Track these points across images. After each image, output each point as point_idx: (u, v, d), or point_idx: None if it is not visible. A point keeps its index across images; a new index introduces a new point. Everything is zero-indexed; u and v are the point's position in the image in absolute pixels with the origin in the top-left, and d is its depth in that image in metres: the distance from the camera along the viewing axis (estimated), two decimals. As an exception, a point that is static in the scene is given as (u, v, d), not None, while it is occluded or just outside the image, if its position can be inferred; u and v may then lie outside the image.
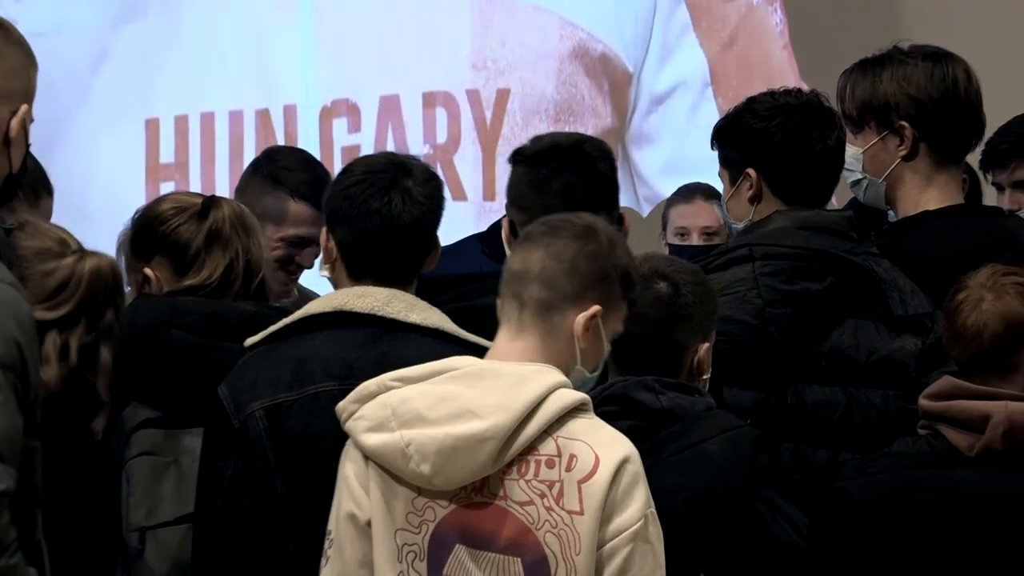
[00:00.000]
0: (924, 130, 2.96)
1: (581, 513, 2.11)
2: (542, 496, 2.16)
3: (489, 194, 4.58)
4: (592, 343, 2.19)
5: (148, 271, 2.72)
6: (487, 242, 3.40)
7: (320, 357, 2.47)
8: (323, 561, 2.26)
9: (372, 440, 2.15)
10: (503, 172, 3.44)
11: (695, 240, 4.01)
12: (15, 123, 2.16)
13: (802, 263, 2.86)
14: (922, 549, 2.59)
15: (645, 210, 4.56)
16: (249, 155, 4.26)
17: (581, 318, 2.16)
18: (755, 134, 2.87)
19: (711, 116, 4.22)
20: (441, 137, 4.51)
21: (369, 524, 2.20)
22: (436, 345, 2.47)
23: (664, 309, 2.52)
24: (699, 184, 4.03)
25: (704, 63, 4.74)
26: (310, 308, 2.52)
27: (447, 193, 3.29)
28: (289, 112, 4.48)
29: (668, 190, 4.28)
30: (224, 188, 4.26)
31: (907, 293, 2.87)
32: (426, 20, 4.57)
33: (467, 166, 4.49)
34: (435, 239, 2.63)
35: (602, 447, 2.13)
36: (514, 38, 4.57)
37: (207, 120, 4.43)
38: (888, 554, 2.63)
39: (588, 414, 2.17)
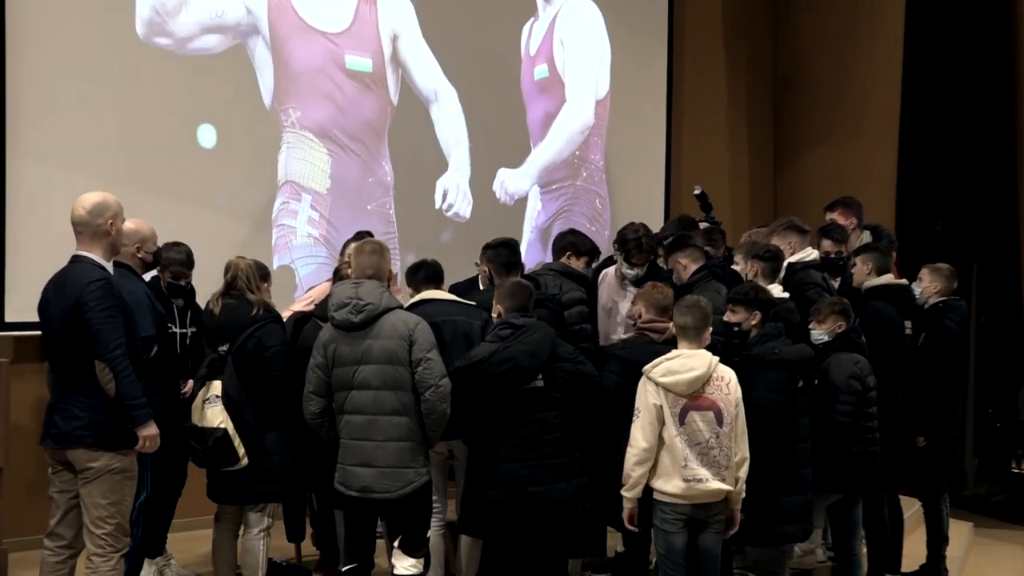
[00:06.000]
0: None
1: (731, 394, 4.13)
2: (719, 389, 4.14)
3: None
4: None
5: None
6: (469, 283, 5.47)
7: (422, 312, 4.48)
8: (635, 418, 4.12)
9: (665, 379, 4.03)
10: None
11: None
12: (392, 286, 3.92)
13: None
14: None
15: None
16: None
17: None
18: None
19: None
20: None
21: (660, 407, 4.04)
22: (452, 304, 4.63)
23: None
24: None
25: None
26: (416, 298, 4.65)
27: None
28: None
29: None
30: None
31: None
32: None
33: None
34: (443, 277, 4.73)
35: (727, 371, 4.14)
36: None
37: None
38: (632, 381, 4.32)
39: (722, 365, 4.12)
